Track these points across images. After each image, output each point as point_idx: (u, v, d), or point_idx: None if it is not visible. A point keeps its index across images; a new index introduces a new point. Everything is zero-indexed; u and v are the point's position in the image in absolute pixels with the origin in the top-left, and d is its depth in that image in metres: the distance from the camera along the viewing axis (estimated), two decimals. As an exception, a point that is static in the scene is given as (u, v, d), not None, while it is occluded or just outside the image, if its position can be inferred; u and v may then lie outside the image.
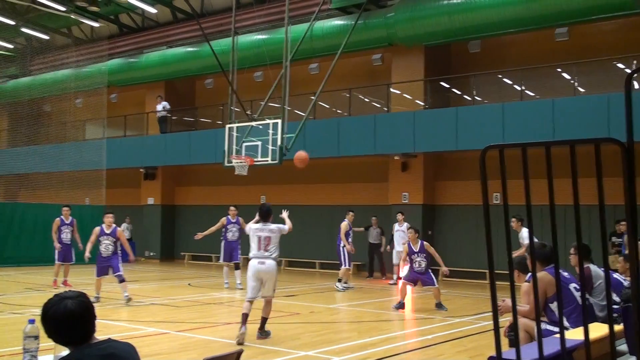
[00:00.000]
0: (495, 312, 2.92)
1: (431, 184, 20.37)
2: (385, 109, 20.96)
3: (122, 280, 12.98)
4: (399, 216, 18.13)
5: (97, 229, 13.37)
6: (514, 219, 13.68)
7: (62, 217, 16.17)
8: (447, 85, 20.82)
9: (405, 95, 20.68)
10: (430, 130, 18.10)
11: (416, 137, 18.26)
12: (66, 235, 15.98)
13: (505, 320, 6.91)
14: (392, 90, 20.84)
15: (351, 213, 17.14)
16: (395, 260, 18.08)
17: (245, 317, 8.94)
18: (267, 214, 9.45)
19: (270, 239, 9.26)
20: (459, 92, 20.62)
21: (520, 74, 18.68)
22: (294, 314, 11.98)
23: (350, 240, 16.59)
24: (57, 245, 15.77)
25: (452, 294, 15.50)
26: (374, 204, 21.00)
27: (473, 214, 19.08)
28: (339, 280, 16.29)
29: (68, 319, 2.77)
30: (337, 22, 20.60)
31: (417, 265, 12.77)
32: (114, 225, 13.49)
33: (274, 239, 9.29)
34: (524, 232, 13.31)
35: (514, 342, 3.51)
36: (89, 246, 13.44)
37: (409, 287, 13.00)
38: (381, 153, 19.34)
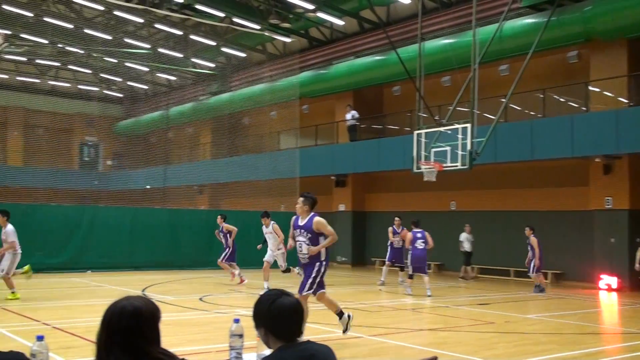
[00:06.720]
0: None
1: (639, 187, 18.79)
2: (584, 108, 19.72)
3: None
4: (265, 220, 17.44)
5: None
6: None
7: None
8: (655, 80, 19.12)
9: (606, 92, 19.35)
10: (636, 129, 16.73)
11: (620, 137, 16.98)
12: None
13: None
14: (590, 88, 19.58)
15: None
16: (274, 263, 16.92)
17: None
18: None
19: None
20: (668, 87, 18.87)
21: None
22: (488, 322, 11.60)
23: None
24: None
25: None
26: (574, 210, 19.81)
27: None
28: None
29: (292, 312, 2.90)
30: (528, 20, 19.73)
31: None
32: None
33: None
34: None
35: None
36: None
37: None
38: (579, 155, 18.21)
